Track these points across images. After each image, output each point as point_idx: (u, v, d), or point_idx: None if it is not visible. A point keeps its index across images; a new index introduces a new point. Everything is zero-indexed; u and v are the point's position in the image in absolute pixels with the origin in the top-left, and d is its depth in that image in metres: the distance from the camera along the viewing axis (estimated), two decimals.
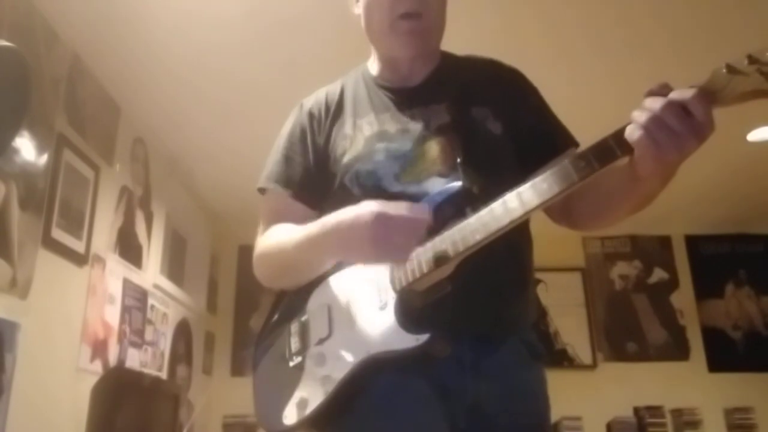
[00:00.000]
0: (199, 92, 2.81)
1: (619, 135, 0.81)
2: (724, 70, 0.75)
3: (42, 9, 2.19)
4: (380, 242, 0.89)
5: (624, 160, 0.82)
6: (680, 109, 0.76)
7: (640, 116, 0.78)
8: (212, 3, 2.27)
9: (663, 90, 0.79)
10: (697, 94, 0.76)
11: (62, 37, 2.34)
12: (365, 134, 1.11)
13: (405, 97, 1.14)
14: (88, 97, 2.56)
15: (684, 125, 0.76)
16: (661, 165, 0.81)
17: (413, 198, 1.00)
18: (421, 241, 0.92)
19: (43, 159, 2.20)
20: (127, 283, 2.85)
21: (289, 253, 1.05)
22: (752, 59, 0.74)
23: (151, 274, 3.18)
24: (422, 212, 0.91)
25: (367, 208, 0.91)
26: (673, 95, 0.77)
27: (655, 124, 0.77)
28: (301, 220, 1.11)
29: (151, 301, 3.14)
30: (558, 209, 0.95)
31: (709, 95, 0.76)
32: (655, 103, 0.77)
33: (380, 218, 0.89)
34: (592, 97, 2.79)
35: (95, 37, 2.40)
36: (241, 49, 2.52)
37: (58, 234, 2.26)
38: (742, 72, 0.74)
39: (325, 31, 2.30)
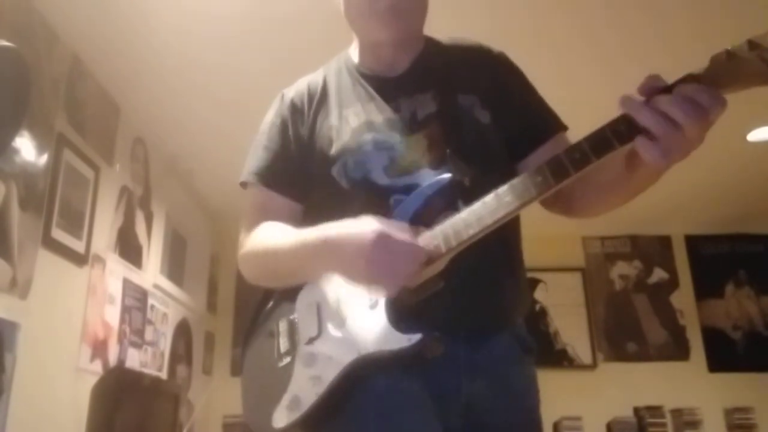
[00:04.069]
0: (199, 92, 2.81)
1: (615, 125, 0.79)
2: (725, 57, 0.73)
3: (42, 9, 2.19)
4: (376, 264, 0.86)
5: (620, 151, 0.80)
6: (701, 113, 0.72)
7: (655, 123, 0.74)
8: (213, 3, 2.27)
9: (655, 83, 0.76)
10: (716, 95, 0.72)
11: (62, 37, 2.34)
12: (352, 125, 1.08)
13: (390, 86, 1.11)
14: (88, 97, 2.56)
15: (700, 130, 0.73)
16: (664, 168, 0.79)
17: (403, 191, 0.98)
18: (418, 273, 0.88)
19: (43, 159, 2.20)
20: (127, 283, 2.85)
21: (282, 259, 1.02)
22: (753, 45, 0.71)
23: (151, 274, 3.18)
24: (423, 247, 0.87)
25: (371, 225, 0.88)
26: (685, 92, 0.73)
27: (672, 134, 0.73)
28: (286, 214, 1.10)
29: (151, 301, 3.14)
30: (551, 197, 0.93)
31: (715, 84, 0.73)
32: (673, 109, 0.73)
33: (382, 239, 0.86)
34: (582, 88, 2.77)
35: (95, 37, 2.39)
36: (242, 49, 2.52)
37: (58, 234, 2.26)
38: (742, 58, 0.72)
39: (327, 30, 2.30)
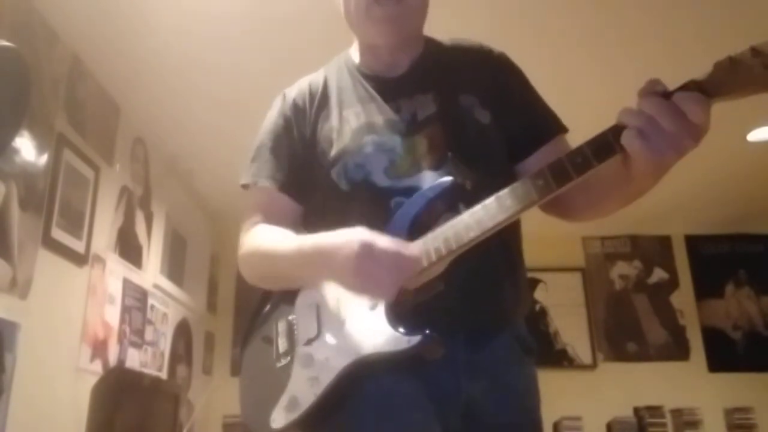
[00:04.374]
0: (199, 92, 2.81)
1: (617, 129, 0.79)
2: (728, 63, 0.73)
3: (42, 9, 2.19)
4: (362, 274, 0.86)
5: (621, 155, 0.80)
6: (677, 112, 0.74)
7: (635, 120, 0.76)
8: (212, 3, 2.27)
9: (654, 87, 0.77)
10: (695, 97, 0.74)
11: (62, 37, 2.34)
12: (352, 126, 1.07)
13: (390, 87, 1.10)
14: (88, 97, 2.56)
15: (682, 128, 0.74)
16: (655, 166, 0.79)
17: (403, 193, 0.98)
18: (407, 282, 0.88)
19: (43, 159, 2.20)
20: (127, 283, 2.85)
21: (280, 263, 1.02)
22: (756, 52, 0.72)
23: (151, 274, 3.18)
24: (414, 253, 0.87)
25: (358, 235, 0.88)
26: (674, 99, 0.74)
27: (652, 129, 0.75)
28: (287, 215, 1.10)
29: (151, 301, 3.14)
30: (550, 201, 0.94)
31: (707, 96, 0.74)
32: (652, 108, 0.75)
33: (367, 249, 0.86)
34: (581, 91, 2.78)
35: (95, 37, 2.39)
36: (242, 49, 2.52)
37: (58, 234, 2.26)
38: (746, 65, 0.72)
39: (327, 29, 2.30)
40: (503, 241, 1.01)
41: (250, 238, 1.11)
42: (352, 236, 0.89)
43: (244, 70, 2.65)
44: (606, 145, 0.79)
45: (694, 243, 4.68)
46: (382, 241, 0.87)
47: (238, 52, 2.54)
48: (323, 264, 0.92)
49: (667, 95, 0.76)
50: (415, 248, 0.89)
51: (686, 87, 0.75)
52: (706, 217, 4.43)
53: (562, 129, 1.11)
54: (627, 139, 0.76)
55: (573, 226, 4.37)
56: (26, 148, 2.09)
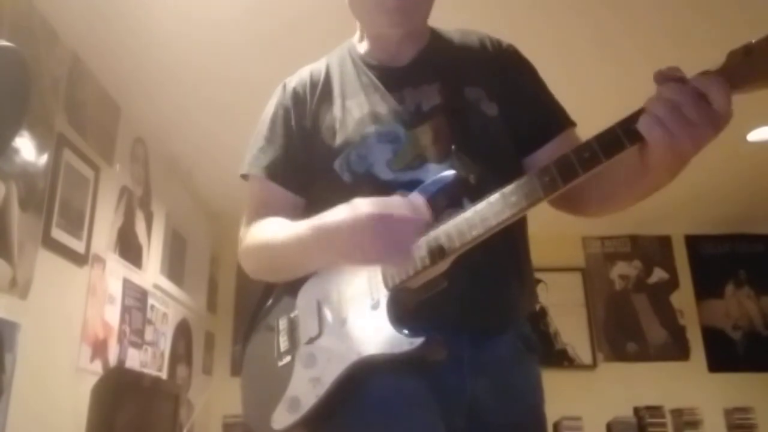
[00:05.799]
0: (199, 92, 2.81)
1: (626, 124, 0.76)
2: (742, 52, 0.71)
3: (42, 9, 2.19)
4: (382, 243, 0.83)
5: (631, 150, 0.77)
6: (700, 98, 0.71)
7: (656, 107, 0.73)
8: (212, 3, 2.27)
9: (673, 73, 0.74)
10: (720, 82, 0.71)
11: (62, 37, 2.34)
12: (355, 117, 1.05)
13: (395, 76, 1.08)
14: (88, 97, 2.56)
15: (702, 115, 0.71)
16: (674, 157, 0.76)
17: (406, 186, 0.96)
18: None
19: (43, 159, 2.20)
20: (127, 283, 2.85)
21: (279, 253, 1.00)
22: None
23: (151, 274, 3.18)
24: (421, 208, 0.86)
25: (364, 208, 0.85)
26: (695, 83, 0.72)
27: (672, 115, 0.72)
28: (288, 207, 1.08)
29: (151, 301, 3.14)
30: (559, 195, 0.91)
31: (730, 82, 0.71)
32: (674, 93, 0.72)
33: (381, 218, 0.83)
34: (592, 89, 2.77)
35: (95, 37, 2.39)
36: (242, 48, 2.52)
37: (58, 234, 2.26)
38: (761, 54, 0.70)
39: (328, 34, 2.30)
40: (509, 238, 0.98)
41: (251, 231, 1.09)
42: (356, 209, 0.86)
43: (243, 70, 2.65)
44: (614, 139, 0.77)
45: (694, 243, 4.68)
46: (388, 204, 0.85)
47: (237, 53, 2.54)
48: (330, 243, 0.89)
49: (685, 81, 0.73)
50: (419, 200, 0.87)
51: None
52: (706, 217, 4.43)
53: (569, 123, 1.09)
54: (645, 126, 0.74)
55: (573, 226, 4.37)
56: (26, 148, 2.09)
